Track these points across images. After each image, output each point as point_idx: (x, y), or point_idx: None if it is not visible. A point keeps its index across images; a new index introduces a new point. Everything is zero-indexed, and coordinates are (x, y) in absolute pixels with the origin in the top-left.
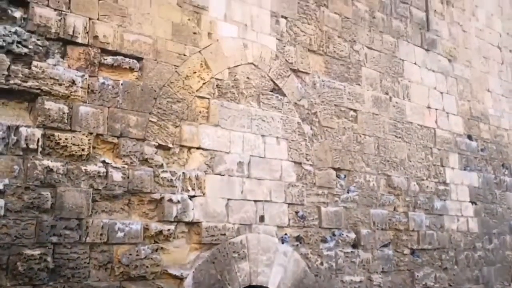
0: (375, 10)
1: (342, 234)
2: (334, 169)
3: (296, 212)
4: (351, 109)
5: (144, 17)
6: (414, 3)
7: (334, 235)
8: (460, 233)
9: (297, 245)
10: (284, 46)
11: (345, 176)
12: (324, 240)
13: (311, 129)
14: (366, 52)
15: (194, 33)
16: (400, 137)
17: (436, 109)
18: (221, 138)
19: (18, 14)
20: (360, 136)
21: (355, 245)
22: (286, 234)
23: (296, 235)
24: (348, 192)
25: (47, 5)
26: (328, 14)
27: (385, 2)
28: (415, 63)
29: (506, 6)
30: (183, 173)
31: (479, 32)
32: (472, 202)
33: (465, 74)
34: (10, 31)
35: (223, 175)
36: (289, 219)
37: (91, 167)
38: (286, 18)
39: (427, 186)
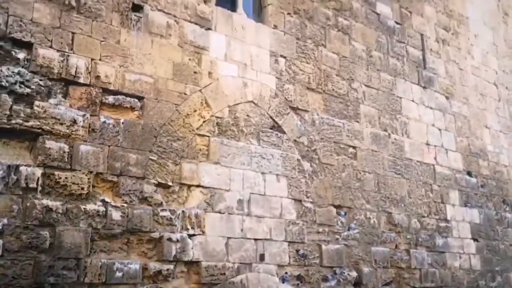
0: (372, 49)
1: (344, 273)
2: (334, 206)
3: (297, 251)
4: (351, 146)
5: (146, 57)
6: (410, 43)
7: (335, 273)
8: (462, 271)
9: (298, 284)
10: (284, 85)
11: (345, 213)
12: (325, 279)
13: (311, 166)
14: (364, 90)
15: (195, 72)
16: (399, 174)
17: (435, 146)
18: (221, 175)
19: (21, 55)
20: (360, 173)
21: (357, 283)
22: (286, 273)
23: (297, 274)
24: (349, 230)
25: (50, 47)
26: (326, 54)
27: (382, 42)
28: (412, 100)
29: (501, 45)
30: (183, 211)
31: (475, 70)
32: (474, 239)
33: (462, 111)
34: (13, 72)
35: (223, 213)
36: (289, 258)
37: (90, 206)
38: (285, 57)
39: (428, 223)
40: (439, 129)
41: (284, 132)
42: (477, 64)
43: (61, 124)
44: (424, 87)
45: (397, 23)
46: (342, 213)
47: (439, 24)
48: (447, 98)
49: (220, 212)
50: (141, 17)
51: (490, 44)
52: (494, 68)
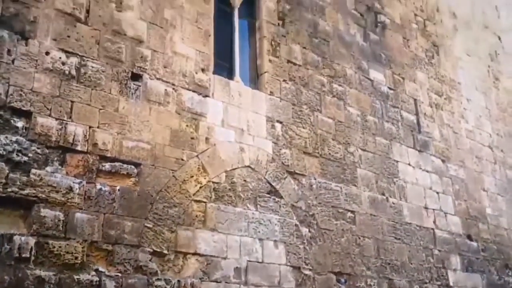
0: (367, 114)
1: None
2: (334, 273)
3: None
4: (349, 211)
5: (144, 124)
6: (404, 107)
7: None
8: None
9: None
10: (280, 149)
11: (346, 281)
12: None
13: (309, 231)
14: (361, 153)
15: (192, 138)
16: (399, 239)
17: (434, 210)
18: (218, 242)
19: (20, 124)
20: (359, 238)
21: None
22: None
23: None
24: None
25: (49, 115)
26: (322, 118)
27: (376, 107)
28: (409, 164)
29: (493, 108)
30: (178, 281)
31: (470, 133)
32: None
33: (459, 174)
34: (11, 140)
35: (219, 282)
36: None
37: (83, 276)
38: (281, 122)
39: None
40: (437, 193)
41: (281, 197)
42: (471, 127)
43: (57, 192)
44: (420, 151)
45: (390, 88)
46: (342, 280)
47: (431, 89)
48: (443, 161)
49: (216, 281)
50: (139, 86)
51: (482, 108)
52: (488, 131)
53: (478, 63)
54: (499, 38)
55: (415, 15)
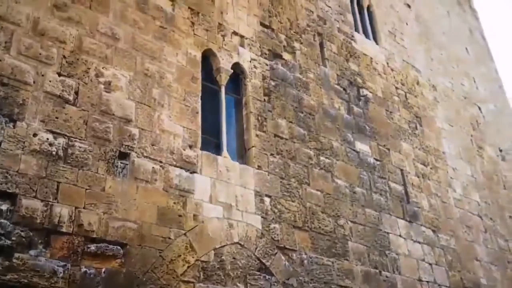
0: (355, 186)
1: None
2: None
3: None
4: (342, 286)
5: (130, 203)
6: (391, 178)
7: None
8: None
9: None
10: (270, 224)
11: None
12: None
13: None
14: (351, 226)
15: (180, 215)
16: None
17: (428, 282)
18: None
19: (4, 207)
20: None
21: None
22: None
23: None
24: None
25: (35, 197)
26: (310, 191)
27: (364, 178)
28: (400, 235)
29: (479, 177)
30: None
31: (458, 202)
32: None
33: (451, 244)
34: None
35: None
36: None
37: None
38: (270, 196)
39: None
40: (430, 264)
41: (272, 274)
42: (459, 196)
43: (40, 276)
44: (410, 221)
45: (376, 160)
46: None
47: (417, 159)
48: (433, 231)
49: None
50: (127, 164)
51: (468, 176)
52: (476, 199)
53: (461, 133)
54: (479, 108)
55: (396, 88)
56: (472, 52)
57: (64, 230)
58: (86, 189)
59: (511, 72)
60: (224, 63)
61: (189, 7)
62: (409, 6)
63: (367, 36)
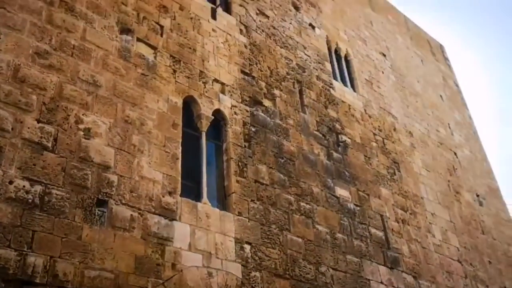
0: (336, 232)
1: None
2: None
3: None
4: None
5: (107, 252)
6: (371, 223)
7: None
8: None
9: None
10: (250, 272)
11: None
12: None
13: None
14: (332, 273)
15: (158, 264)
16: None
17: None
18: None
19: None
20: None
21: None
22: None
23: None
24: None
25: (8, 246)
26: (291, 238)
27: (345, 224)
28: (381, 282)
29: (458, 222)
30: None
31: (438, 248)
32: None
33: None
34: None
35: None
36: None
37: None
38: (250, 243)
39: None
40: None
41: None
42: (439, 242)
43: None
44: (391, 268)
45: (356, 205)
46: None
47: (396, 205)
48: (414, 277)
49: None
50: (105, 212)
51: (447, 222)
52: (456, 245)
53: (438, 178)
54: (455, 154)
55: (374, 134)
56: (447, 99)
57: (38, 281)
58: (62, 238)
59: (484, 118)
60: (205, 110)
61: (171, 55)
62: (384, 55)
63: (345, 84)
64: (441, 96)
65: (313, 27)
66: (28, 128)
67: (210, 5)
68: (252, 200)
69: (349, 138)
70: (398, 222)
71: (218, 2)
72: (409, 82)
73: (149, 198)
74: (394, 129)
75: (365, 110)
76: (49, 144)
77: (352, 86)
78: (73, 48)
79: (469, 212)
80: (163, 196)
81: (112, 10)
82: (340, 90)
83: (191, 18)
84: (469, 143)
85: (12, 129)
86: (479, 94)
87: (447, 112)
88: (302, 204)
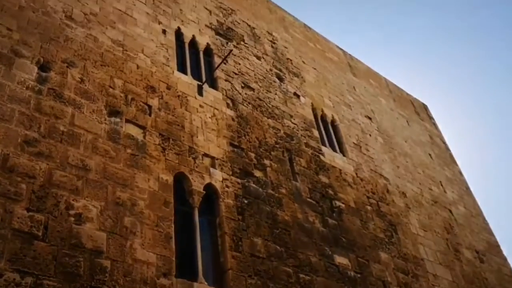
0: None
1: None
2: None
3: None
4: None
5: None
6: None
7: None
8: None
9: None
10: None
11: None
12: None
13: None
14: None
15: None
16: None
17: None
18: None
19: None
20: None
21: None
22: None
23: None
24: None
25: None
26: None
27: None
28: None
29: (460, 281)
30: None
31: None
32: None
33: None
34: None
35: None
36: None
37: None
38: None
39: None
40: None
41: None
42: None
43: None
44: None
45: (357, 272)
46: None
47: (397, 268)
48: None
49: None
50: None
51: (450, 282)
52: None
53: (436, 238)
54: (450, 211)
55: (368, 197)
56: (435, 157)
57: None
58: None
59: (475, 173)
60: (196, 185)
61: (159, 134)
62: (370, 118)
63: (334, 149)
64: (430, 154)
65: (298, 96)
66: (18, 218)
67: (196, 82)
68: (249, 276)
69: (343, 203)
70: (400, 287)
71: (204, 79)
72: (397, 143)
73: (143, 281)
74: (387, 191)
75: (356, 174)
76: (40, 233)
77: (341, 150)
78: (62, 134)
79: (471, 270)
80: (158, 279)
81: (100, 94)
82: (329, 155)
83: (179, 96)
84: (463, 199)
85: (1, 220)
86: (467, 148)
87: (438, 170)
88: (301, 275)
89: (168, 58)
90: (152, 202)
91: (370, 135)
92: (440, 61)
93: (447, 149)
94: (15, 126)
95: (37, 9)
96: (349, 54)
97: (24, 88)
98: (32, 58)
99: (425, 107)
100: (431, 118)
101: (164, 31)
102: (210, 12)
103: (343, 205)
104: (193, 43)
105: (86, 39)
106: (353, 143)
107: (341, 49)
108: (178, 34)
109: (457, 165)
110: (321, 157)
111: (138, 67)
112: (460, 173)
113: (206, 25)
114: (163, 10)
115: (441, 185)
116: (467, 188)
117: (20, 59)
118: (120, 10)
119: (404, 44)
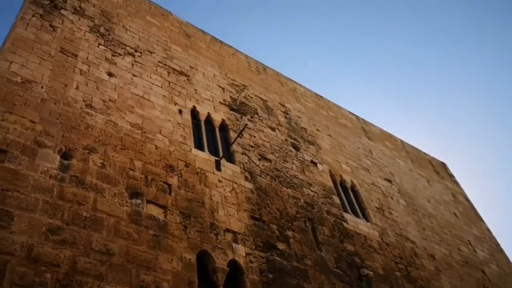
0: None
1: None
2: None
3: None
4: None
5: None
6: None
7: None
8: None
9: None
10: None
11: None
12: None
13: None
14: None
15: None
16: None
17: None
18: None
19: None
20: None
21: None
22: None
23: None
24: None
25: None
26: None
27: None
28: None
29: None
30: None
31: None
32: None
33: None
34: None
35: None
36: None
37: None
38: None
39: None
40: None
41: None
42: None
43: None
44: None
45: None
46: None
47: None
48: None
49: None
50: None
51: None
52: None
53: None
54: (483, 272)
55: (396, 263)
56: (461, 216)
57: None
58: None
59: (505, 229)
60: (220, 262)
61: (180, 212)
62: (389, 181)
63: (356, 215)
64: (454, 213)
65: (315, 164)
66: None
67: (214, 158)
68: None
69: (371, 271)
70: None
71: (221, 154)
72: (420, 204)
73: None
74: (415, 255)
75: (382, 239)
76: None
77: (364, 216)
78: (85, 220)
79: None
80: None
81: (121, 177)
82: (353, 222)
83: (197, 173)
84: (495, 258)
85: None
86: (493, 203)
87: (465, 229)
88: None
89: (185, 137)
90: (176, 284)
91: (391, 198)
92: (453, 117)
93: (472, 206)
94: (39, 215)
95: (58, 100)
96: (362, 119)
97: (48, 177)
98: (54, 147)
99: (444, 166)
100: (451, 176)
101: (180, 111)
102: (223, 89)
103: (371, 273)
104: (209, 120)
105: (105, 125)
106: (376, 207)
107: (353, 114)
108: (194, 112)
109: (484, 222)
110: (344, 224)
111: (156, 147)
112: (488, 230)
113: (220, 102)
114: (179, 92)
115: (470, 244)
116: (497, 245)
117: (43, 149)
118: (138, 95)
119: (417, 106)
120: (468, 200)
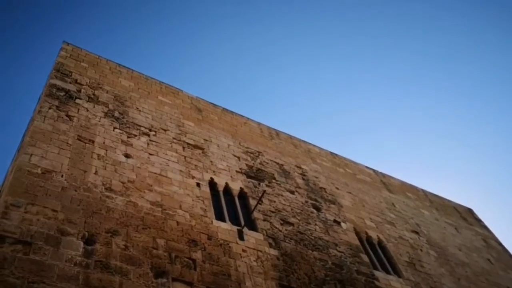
0: None
1: None
2: None
3: None
4: None
5: None
6: None
7: None
8: None
9: None
10: None
11: None
12: None
13: None
14: None
15: None
16: None
17: None
18: None
19: None
20: None
21: None
22: None
23: None
24: None
25: None
26: None
27: None
28: None
29: None
30: None
31: None
32: None
33: None
34: None
35: None
36: None
37: None
38: None
39: None
40: None
41: None
42: None
43: None
44: None
45: None
46: None
47: None
48: None
49: None
50: None
51: None
52: None
53: None
54: None
55: None
56: (495, 261)
57: None
58: None
59: None
60: None
61: (207, 287)
62: (417, 232)
63: (387, 271)
64: (488, 259)
65: (339, 223)
66: None
67: (236, 228)
68: None
69: None
70: None
71: (243, 223)
72: (451, 253)
73: None
74: None
75: None
76: None
77: (395, 272)
78: None
79: None
80: None
81: (144, 257)
82: (384, 279)
83: (221, 245)
84: None
85: None
86: None
87: (502, 275)
88: None
89: (205, 209)
90: None
91: (421, 250)
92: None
93: (505, 250)
94: None
95: (78, 187)
96: (380, 172)
97: (72, 265)
98: (77, 234)
99: (470, 211)
100: (479, 221)
101: (198, 184)
102: (239, 158)
103: None
104: (227, 190)
105: (126, 206)
106: (406, 261)
107: (371, 168)
108: (212, 184)
109: None
110: (376, 282)
111: (178, 223)
112: None
113: (236, 171)
114: (195, 165)
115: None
116: None
117: (67, 237)
118: (155, 173)
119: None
120: (500, 244)
